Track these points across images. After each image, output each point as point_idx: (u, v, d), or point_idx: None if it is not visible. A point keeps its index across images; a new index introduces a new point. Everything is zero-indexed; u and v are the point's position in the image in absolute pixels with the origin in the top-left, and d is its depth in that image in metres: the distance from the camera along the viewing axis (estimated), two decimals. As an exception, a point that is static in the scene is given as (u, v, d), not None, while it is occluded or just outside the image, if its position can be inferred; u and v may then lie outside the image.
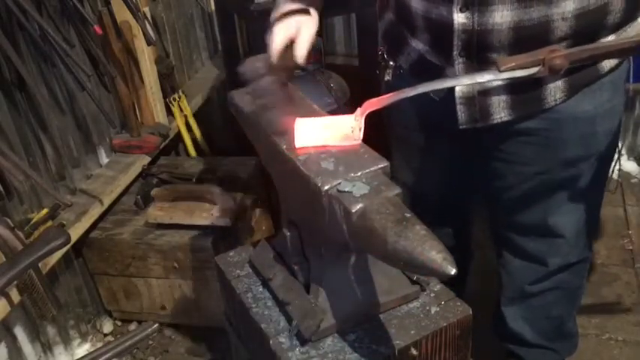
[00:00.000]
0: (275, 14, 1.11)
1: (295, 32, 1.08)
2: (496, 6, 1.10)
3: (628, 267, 2.28)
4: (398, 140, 1.51)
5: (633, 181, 2.70)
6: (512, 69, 0.96)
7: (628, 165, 2.74)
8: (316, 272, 1.05)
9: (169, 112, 2.42)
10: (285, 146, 1.00)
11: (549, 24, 1.11)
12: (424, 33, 1.24)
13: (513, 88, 1.19)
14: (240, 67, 1.13)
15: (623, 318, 2.08)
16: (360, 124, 0.99)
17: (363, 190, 0.89)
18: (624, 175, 2.61)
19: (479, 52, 1.16)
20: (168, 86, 2.40)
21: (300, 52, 1.08)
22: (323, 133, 1.00)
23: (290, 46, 1.09)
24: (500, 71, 0.97)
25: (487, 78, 1.02)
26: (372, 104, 0.99)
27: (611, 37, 1.17)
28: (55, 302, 1.73)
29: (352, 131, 0.99)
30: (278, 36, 1.08)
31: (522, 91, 1.20)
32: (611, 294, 2.17)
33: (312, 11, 1.12)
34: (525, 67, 0.97)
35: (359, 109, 0.99)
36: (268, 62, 1.11)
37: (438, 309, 1.07)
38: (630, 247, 2.36)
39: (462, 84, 1.17)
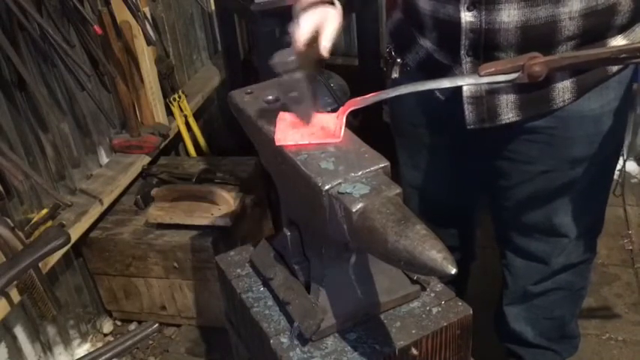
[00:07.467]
0: (299, 5, 1.07)
1: (321, 23, 1.05)
2: (503, 4, 1.09)
3: (628, 267, 2.28)
4: (403, 137, 1.50)
5: (633, 181, 2.70)
6: (493, 74, 0.96)
7: (628, 165, 2.74)
8: (316, 272, 1.05)
9: (169, 112, 2.42)
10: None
11: (556, 23, 1.10)
12: (432, 32, 1.23)
13: (521, 87, 1.18)
14: (271, 60, 1.10)
15: (623, 318, 2.08)
16: (342, 122, 0.99)
17: (363, 189, 0.89)
18: (624, 175, 2.61)
19: (486, 51, 1.15)
20: (168, 86, 2.41)
21: (326, 44, 1.04)
22: (304, 129, 1.01)
23: (315, 38, 1.05)
24: (480, 76, 0.96)
25: (469, 82, 1.03)
26: (354, 103, 0.99)
27: (619, 38, 1.17)
28: (55, 302, 1.73)
29: (334, 129, 1.00)
30: (304, 26, 1.04)
31: (530, 90, 1.19)
32: (611, 294, 2.17)
33: (337, 3, 1.09)
34: (506, 73, 0.96)
35: (341, 108, 0.99)
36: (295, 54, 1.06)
37: (438, 309, 1.07)
38: (630, 247, 2.36)
39: (444, 86, 1.11)
